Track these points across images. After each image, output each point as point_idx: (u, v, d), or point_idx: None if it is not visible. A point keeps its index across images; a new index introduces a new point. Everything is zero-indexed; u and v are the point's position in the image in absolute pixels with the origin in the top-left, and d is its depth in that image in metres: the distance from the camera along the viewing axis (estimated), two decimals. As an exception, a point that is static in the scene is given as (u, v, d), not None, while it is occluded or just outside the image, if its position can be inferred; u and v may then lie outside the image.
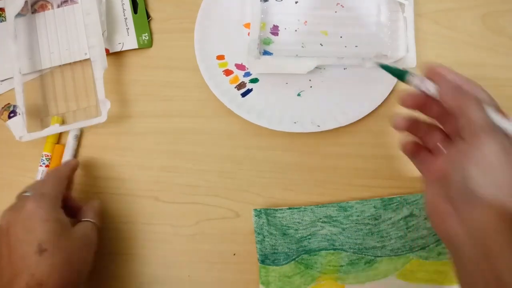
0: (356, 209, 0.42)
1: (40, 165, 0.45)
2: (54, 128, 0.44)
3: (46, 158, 0.45)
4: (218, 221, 0.44)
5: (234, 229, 0.44)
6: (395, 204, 0.42)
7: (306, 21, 0.49)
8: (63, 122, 0.46)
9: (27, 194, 0.36)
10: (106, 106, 0.44)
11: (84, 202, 0.41)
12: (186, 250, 0.43)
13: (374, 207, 0.42)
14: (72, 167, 0.42)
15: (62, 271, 0.33)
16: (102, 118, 0.44)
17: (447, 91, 0.32)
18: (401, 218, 0.42)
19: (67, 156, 0.45)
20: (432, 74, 0.33)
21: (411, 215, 0.42)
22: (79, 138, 0.46)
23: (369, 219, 0.42)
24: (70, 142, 0.45)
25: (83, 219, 0.39)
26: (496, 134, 0.28)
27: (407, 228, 0.42)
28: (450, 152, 0.32)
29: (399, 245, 0.41)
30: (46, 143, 0.45)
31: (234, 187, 0.45)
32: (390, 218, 0.42)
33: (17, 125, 0.44)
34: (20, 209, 0.34)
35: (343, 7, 0.49)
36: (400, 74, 0.35)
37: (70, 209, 0.39)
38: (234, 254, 0.43)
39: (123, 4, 0.49)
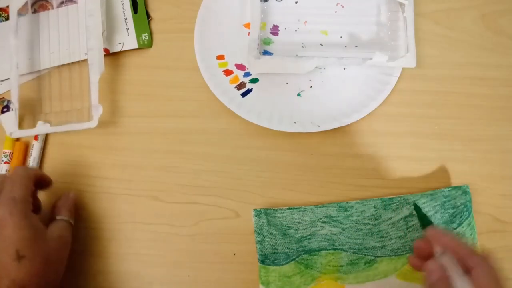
0: (356, 209, 0.42)
1: (1, 163, 0.45)
2: (45, 128, 0.44)
3: (5, 155, 0.45)
4: (218, 221, 0.44)
5: (234, 229, 0.44)
6: (395, 204, 0.42)
7: (306, 21, 0.49)
8: (21, 123, 0.46)
9: None
10: (98, 112, 0.44)
11: (58, 195, 0.41)
12: (186, 250, 0.43)
13: (374, 207, 0.42)
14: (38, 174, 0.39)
15: (42, 273, 0.34)
16: (93, 123, 0.44)
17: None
18: (401, 218, 0.42)
19: (32, 157, 0.45)
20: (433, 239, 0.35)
21: (411, 215, 0.42)
22: (44, 141, 0.46)
23: (369, 219, 0.42)
24: (34, 143, 0.45)
25: (57, 218, 0.39)
26: None
27: (407, 228, 0.42)
28: None
29: (399, 245, 0.41)
30: (5, 140, 0.45)
31: (234, 187, 0.45)
32: (390, 218, 0.42)
33: (9, 121, 0.44)
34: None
35: (343, 7, 0.49)
36: (424, 223, 0.38)
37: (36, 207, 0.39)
38: (234, 254, 0.43)
39: (123, 4, 0.49)
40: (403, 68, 0.46)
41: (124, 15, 0.49)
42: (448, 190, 0.42)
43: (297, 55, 0.47)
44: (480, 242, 0.42)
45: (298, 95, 0.47)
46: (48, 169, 0.46)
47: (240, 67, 0.47)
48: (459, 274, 0.32)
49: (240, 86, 0.46)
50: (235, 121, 0.45)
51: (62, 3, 0.48)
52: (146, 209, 0.44)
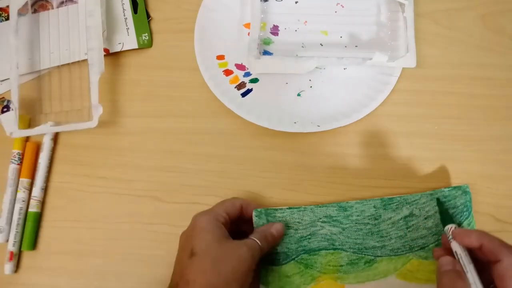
0: (356, 209, 0.42)
1: (12, 163, 0.45)
2: (45, 128, 0.44)
3: (18, 156, 0.45)
4: (218, 221, 0.44)
5: (234, 229, 0.44)
6: (395, 204, 0.42)
7: (306, 21, 0.49)
8: (30, 123, 0.46)
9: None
10: (98, 111, 0.44)
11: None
12: (186, 250, 0.43)
13: (374, 207, 0.42)
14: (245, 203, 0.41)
15: (208, 275, 0.34)
16: (93, 123, 0.44)
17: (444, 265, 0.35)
18: (401, 218, 0.42)
19: (44, 157, 0.45)
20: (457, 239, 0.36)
21: (411, 215, 0.42)
22: (55, 139, 0.46)
23: (369, 219, 0.42)
24: (46, 143, 0.45)
25: (250, 236, 0.38)
26: None
27: (407, 228, 0.42)
28: None
29: (399, 245, 0.41)
30: (15, 140, 0.45)
31: (234, 187, 0.44)
32: (390, 218, 0.42)
33: (9, 121, 0.44)
34: (192, 222, 0.38)
35: (343, 7, 0.49)
36: (445, 220, 0.40)
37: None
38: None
39: (123, 4, 0.49)
40: (403, 68, 0.46)
41: (124, 15, 0.49)
42: (448, 190, 0.42)
43: (297, 55, 0.47)
44: (480, 242, 0.42)
45: (298, 95, 0.47)
46: (49, 169, 0.46)
47: (240, 67, 0.47)
48: (468, 265, 0.34)
49: (240, 86, 0.46)
50: (235, 121, 0.45)
51: (62, 3, 0.48)
52: (146, 209, 0.44)
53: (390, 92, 0.45)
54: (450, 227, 0.38)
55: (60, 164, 0.46)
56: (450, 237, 0.37)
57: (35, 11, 0.48)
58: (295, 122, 0.44)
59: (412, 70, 0.46)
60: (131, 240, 0.44)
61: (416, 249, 0.41)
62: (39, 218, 0.44)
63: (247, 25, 0.48)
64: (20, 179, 0.44)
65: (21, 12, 0.47)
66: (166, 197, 0.45)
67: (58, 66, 0.47)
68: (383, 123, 0.46)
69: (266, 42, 0.48)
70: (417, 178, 0.44)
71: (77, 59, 0.47)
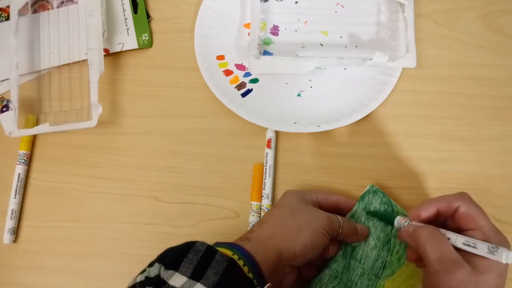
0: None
1: (18, 163, 0.45)
2: (44, 128, 0.44)
3: (24, 157, 0.45)
4: (218, 221, 0.44)
5: (234, 229, 0.43)
6: (341, 252, 0.40)
7: (306, 21, 0.49)
8: (37, 122, 0.46)
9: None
10: (97, 111, 0.44)
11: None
12: (186, 250, 0.43)
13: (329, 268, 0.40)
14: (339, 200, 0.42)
15: (283, 217, 0.37)
16: (92, 122, 0.44)
17: (404, 232, 0.36)
18: (349, 259, 0.40)
19: (270, 161, 0.44)
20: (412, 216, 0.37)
21: (353, 249, 0.40)
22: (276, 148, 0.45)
23: (331, 281, 0.40)
24: (270, 154, 0.44)
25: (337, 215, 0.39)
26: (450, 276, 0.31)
27: (359, 263, 0.39)
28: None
29: (366, 282, 0.39)
30: (21, 141, 0.45)
31: (234, 187, 0.44)
32: (345, 266, 0.40)
33: (8, 120, 0.44)
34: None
35: (343, 7, 0.49)
36: (389, 219, 0.39)
37: None
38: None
39: (123, 4, 0.49)
40: (403, 68, 0.46)
41: (124, 15, 0.49)
42: (360, 203, 0.41)
43: (297, 55, 0.47)
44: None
45: (298, 95, 0.47)
46: (49, 169, 0.46)
47: (240, 67, 0.47)
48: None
49: (240, 86, 0.46)
50: (235, 121, 0.45)
51: (62, 3, 0.48)
52: (146, 209, 0.44)
53: (390, 92, 0.45)
54: (399, 218, 0.37)
55: (59, 164, 0.46)
56: (406, 222, 0.37)
57: (35, 11, 0.48)
58: (295, 122, 0.44)
59: (412, 70, 0.46)
60: (131, 240, 0.44)
61: (380, 273, 0.39)
62: None
63: (247, 25, 0.48)
64: (251, 202, 0.44)
65: (21, 12, 0.47)
66: (166, 197, 0.45)
67: (58, 66, 0.47)
68: (383, 123, 0.46)
69: (266, 42, 0.48)
70: (417, 178, 0.44)
71: (77, 59, 0.47)
